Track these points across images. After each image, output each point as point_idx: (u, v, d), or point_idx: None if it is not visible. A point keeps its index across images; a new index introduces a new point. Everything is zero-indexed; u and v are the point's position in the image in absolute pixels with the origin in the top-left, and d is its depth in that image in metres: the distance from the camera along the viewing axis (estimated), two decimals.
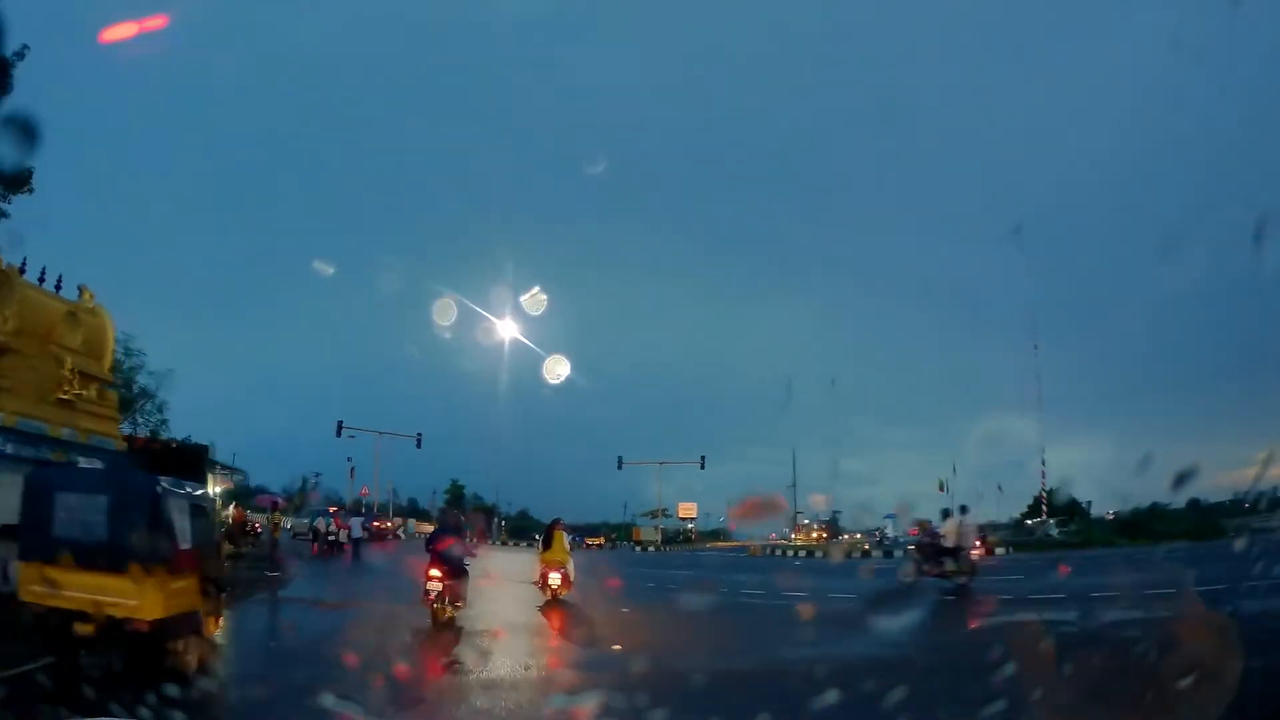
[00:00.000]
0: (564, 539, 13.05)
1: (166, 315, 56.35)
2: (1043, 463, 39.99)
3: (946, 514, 14.68)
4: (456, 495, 49.62)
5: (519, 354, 37.38)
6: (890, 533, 51.11)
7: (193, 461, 18.33)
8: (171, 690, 5.36)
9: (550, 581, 12.47)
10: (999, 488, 43.77)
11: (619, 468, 45.48)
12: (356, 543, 23.00)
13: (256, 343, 72.97)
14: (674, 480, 51.38)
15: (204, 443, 19.48)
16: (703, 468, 44.78)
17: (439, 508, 47.68)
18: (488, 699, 6.82)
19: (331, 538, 23.11)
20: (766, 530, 45.91)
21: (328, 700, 5.44)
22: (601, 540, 46.73)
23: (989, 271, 68.74)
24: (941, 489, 50.46)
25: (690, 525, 54.42)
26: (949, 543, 13.83)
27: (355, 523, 23.86)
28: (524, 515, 53.17)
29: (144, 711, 4.72)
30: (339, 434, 39.27)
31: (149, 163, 71.45)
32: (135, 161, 68.89)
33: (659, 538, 49.39)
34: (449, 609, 10.00)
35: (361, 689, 6.39)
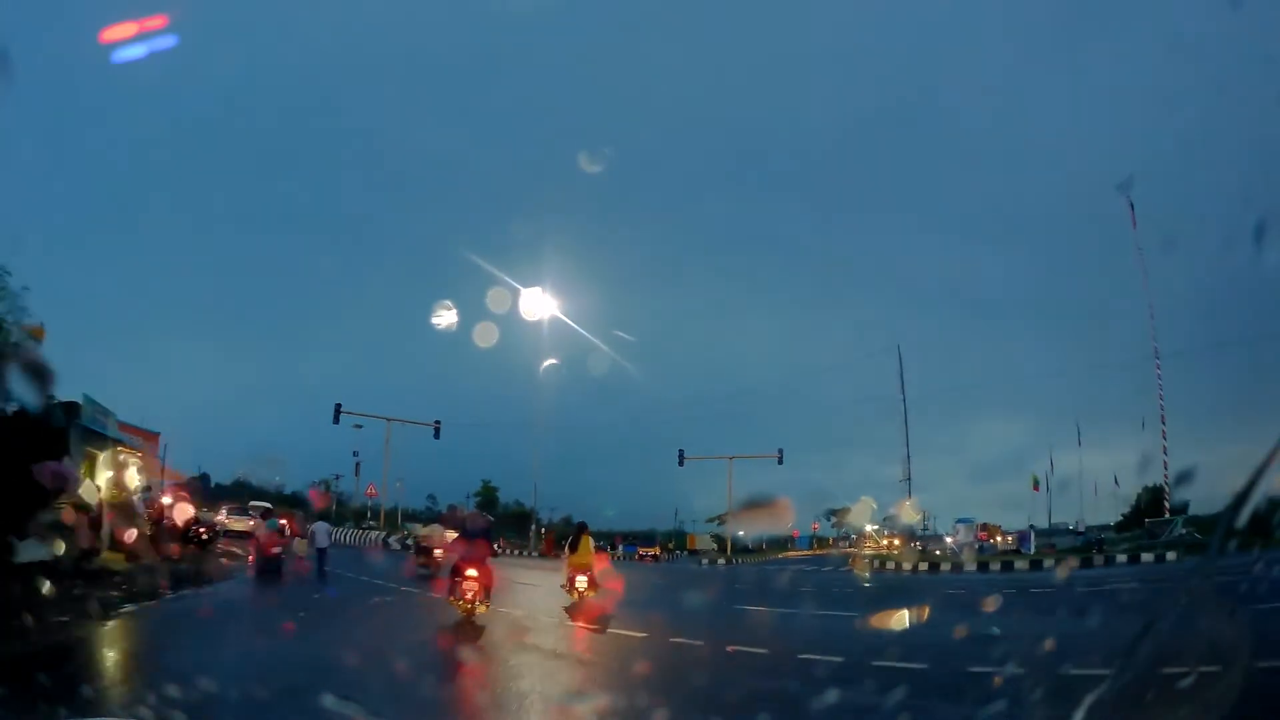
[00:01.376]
0: (590, 543, 13.15)
1: (164, 314, 52.50)
2: (1164, 451, 32.54)
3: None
4: (489, 498, 43.40)
5: (563, 346, 32.31)
6: (963, 538, 44.18)
7: (48, 427, 12.33)
8: (172, 690, 5.20)
9: (577, 584, 12.67)
10: (1115, 481, 36.83)
11: (680, 464, 38.62)
12: (321, 555, 16.61)
13: (264, 342, 68.51)
14: (743, 482, 43.86)
15: (70, 400, 13.46)
16: (780, 463, 37.49)
17: (449, 505, 41.94)
18: None
19: (276, 550, 15.98)
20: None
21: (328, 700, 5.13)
22: (656, 551, 40.12)
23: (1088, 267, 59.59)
24: (1036, 487, 43.68)
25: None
26: (431, 544, 17.51)
27: (320, 530, 17.23)
28: (567, 522, 46.75)
29: (144, 711, 4.65)
30: (336, 420, 33.41)
31: (156, 157, 68.28)
32: (143, 155, 65.74)
33: (724, 548, 42.01)
34: (481, 606, 10.19)
35: None
